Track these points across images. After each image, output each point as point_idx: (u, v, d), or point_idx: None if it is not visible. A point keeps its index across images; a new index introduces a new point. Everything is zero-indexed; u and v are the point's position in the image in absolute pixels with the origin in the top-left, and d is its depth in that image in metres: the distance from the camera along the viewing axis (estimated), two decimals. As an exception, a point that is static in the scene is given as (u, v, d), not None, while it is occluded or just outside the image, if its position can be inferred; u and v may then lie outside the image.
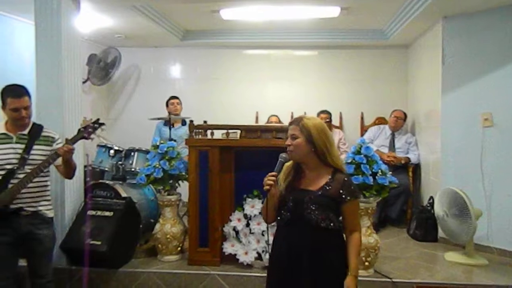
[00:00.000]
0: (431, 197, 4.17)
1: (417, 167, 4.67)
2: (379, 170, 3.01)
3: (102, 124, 2.74)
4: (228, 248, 3.23)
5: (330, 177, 1.86)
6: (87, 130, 2.67)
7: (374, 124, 5.23)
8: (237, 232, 3.24)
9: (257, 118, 5.44)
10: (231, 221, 3.25)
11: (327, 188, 1.84)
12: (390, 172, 3.13)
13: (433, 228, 3.97)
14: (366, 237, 3.02)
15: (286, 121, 5.10)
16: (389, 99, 5.28)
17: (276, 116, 5.21)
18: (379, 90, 5.39)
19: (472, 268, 3.30)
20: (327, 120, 4.86)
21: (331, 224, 1.84)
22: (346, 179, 1.88)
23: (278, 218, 1.93)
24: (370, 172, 2.99)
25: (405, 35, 4.74)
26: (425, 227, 4.01)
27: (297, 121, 1.90)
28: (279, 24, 4.84)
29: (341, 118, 5.45)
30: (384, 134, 4.80)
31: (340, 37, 5.15)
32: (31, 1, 3.19)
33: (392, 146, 4.69)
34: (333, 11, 4.25)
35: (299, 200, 1.86)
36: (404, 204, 4.48)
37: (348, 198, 1.84)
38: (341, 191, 1.83)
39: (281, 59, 5.57)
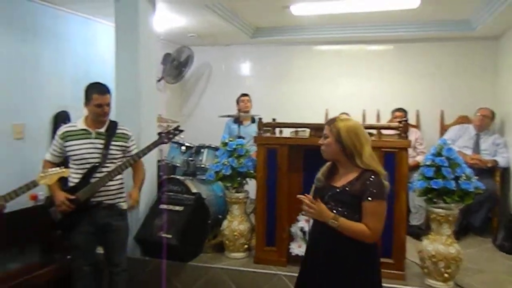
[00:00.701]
0: (524, 206, 3.74)
1: (505, 172, 4.21)
2: (463, 174, 2.75)
3: (181, 131, 2.89)
4: (295, 249, 3.16)
5: (357, 175, 1.85)
6: (167, 136, 2.80)
7: (456, 123, 4.81)
8: (304, 233, 3.15)
9: (326, 116, 5.28)
10: (298, 221, 3.18)
11: (349, 186, 1.85)
12: (476, 177, 2.84)
13: (525, 240, 3.55)
14: (446, 247, 2.78)
15: (357, 120, 4.89)
16: (474, 96, 4.83)
17: (347, 114, 4.98)
18: (462, 86, 4.96)
19: None
20: (405, 119, 4.55)
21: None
22: (372, 178, 1.82)
23: None
24: (453, 176, 2.73)
25: (495, 26, 4.29)
26: (515, 239, 3.60)
27: (330, 122, 1.97)
28: (352, 18, 4.64)
29: (418, 116, 5.10)
30: (467, 134, 4.39)
31: (419, 30, 4.80)
32: (112, 5, 3.37)
33: (476, 148, 4.27)
34: (413, 2, 3.96)
35: (322, 195, 1.88)
36: (489, 212, 4.06)
37: (369, 198, 1.79)
38: (363, 190, 1.80)
39: (354, 54, 5.35)
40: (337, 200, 1.86)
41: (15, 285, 2.88)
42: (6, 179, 2.84)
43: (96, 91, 2.65)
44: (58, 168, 2.45)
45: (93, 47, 4.24)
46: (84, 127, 2.72)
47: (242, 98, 4.87)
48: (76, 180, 2.68)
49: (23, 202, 3.23)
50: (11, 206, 2.92)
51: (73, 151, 2.68)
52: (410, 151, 4.46)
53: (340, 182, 1.90)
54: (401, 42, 5.14)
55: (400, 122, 3.05)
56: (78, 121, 2.77)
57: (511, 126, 4.26)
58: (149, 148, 2.76)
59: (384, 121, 4.90)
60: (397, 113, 4.61)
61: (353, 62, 5.33)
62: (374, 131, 3.29)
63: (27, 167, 3.25)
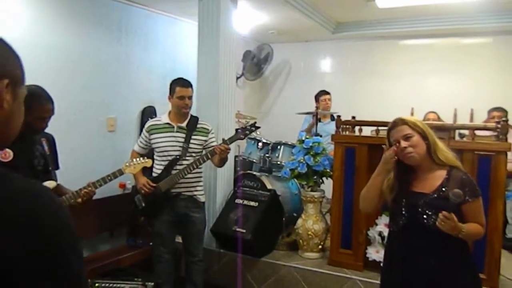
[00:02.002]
0: None
1: None
2: None
3: (258, 127, 2.89)
4: (373, 254, 3.00)
5: (446, 176, 1.66)
6: (244, 132, 2.84)
7: None
8: (383, 238, 2.97)
9: (412, 115, 4.94)
10: (377, 225, 3.01)
11: (444, 189, 1.64)
12: None
13: None
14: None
15: (447, 119, 4.52)
16: None
17: (435, 113, 4.64)
18: None
19: None
20: (504, 119, 4.08)
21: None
22: (465, 177, 1.66)
23: (392, 223, 1.82)
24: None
25: None
26: None
27: (401, 122, 1.76)
28: (443, 9, 4.28)
29: (520, 116, 4.54)
30: None
31: (524, 20, 4.27)
32: (196, 4, 3.49)
33: None
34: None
35: (413, 204, 1.68)
36: None
37: (471, 199, 1.62)
38: (462, 190, 1.62)
39: (445, 48, 4.94)
40: (435, 206, 1.65)
41: (104, 265, 3.15)
42: (100, 167, 3.09)
43: (179, 84, 2.79)
44: (142, 159, 2.61)
45: (179, 46, 4.45)
46: (168, 121, 2.86)
47: (324, 96, 4.74)
48: (159, 171, 2.83)
49: (113, 189, 3.51)
50: (103, 193, 3.20)
51: (157, 143, 2.84)
52: (510, 155, 4.00)
53: (428, 186, 1.70)
54: (501, 34, 4.62)
55: (498, 122, 2.73)
56: (163, 116, 2.92)
57: None
58: (226, 142, 2.81)
59: (479, 122, 4.45)
60: (495, 113, 4.15)
61: (444, 56, 4.92)
62: (466, 132, 3.01)
63: (117, 157, 3.52)
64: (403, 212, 1.73)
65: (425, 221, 1.67)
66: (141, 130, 3.36)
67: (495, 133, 2.72)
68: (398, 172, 1.76)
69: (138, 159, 2.62)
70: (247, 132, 2.88)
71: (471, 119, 4.68)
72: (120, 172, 2.49)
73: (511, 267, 2.73)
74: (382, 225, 2.98)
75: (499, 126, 2.67)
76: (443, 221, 1.59)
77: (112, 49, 3.69)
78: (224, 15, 3.41)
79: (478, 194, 1.68)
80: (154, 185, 2.75)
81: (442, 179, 1.69)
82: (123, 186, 3.65)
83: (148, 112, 3.99)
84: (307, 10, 4.31)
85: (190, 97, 2.81)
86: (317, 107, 4.41)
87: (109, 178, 2.42)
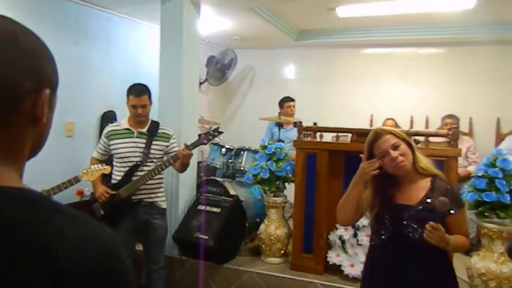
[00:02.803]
0: None
1: None
2: (520, 188, 2.52)
3: (221, 132, 2.88)
4: (333, 257, 3.06)
5: (430, 186, 1.62)
6: (206, 137, 2.81)
7: (514, 132, 4.48)
8: (343, 242, 3.04)
9: (371, 121, 5.12)
10: (337, 229, 3.07)
11: (428, 200, 1.60)
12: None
13: None
14: (499, 265, 2.56)
15: (404, 126, 4.70)
16: (536, 103, 4.47)
17: (393, 119, 4.81)
18: (522, 92, 4.61)
19: None
20: (455, 126, 4.29)
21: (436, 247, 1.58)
22: (449, 187, 1.63)
23: (374, 237, 1.73)
24: (507, 189, 2.52)
25: (561, 27, 3.95)
26: None
27: (384, 132, 1.68)
28: (402, 20, 4.46)
29: (471, 124, 4.80)
30: (527, 145, 4.06)
31: (475, 32, 4.52)
32: (158, 8, 3.44)
33: (537, 159, 3.94)
34: (468, 2, 3.73)
35: (397, 218, 1.62)
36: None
37: (455, 211, 1.59)
38: (448, 202, 1.57)
39: (403, 57, 5.15)
40: (420, 219, 1.57)
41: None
42: (56, 174, 2.97)
43: (132, 93, 2.72)
44: (100, 165, 2.54)
45: (141, 49, 4.38)
46: (127, 126, 2.80)
47: (289, 103, 4.78)
48: (119, 178, 2.76)
49: (70, 197, 3.39)
50: (59, 200, 3.07)
51: (117, 149, 2.77)
52: (461, 160, 4.21)
53: (412, 198, 1.62)
54: (454, 45, 4.87)
55: (450, 129, 2.87)
56: (123, 121, 2.86)
57: None
58: (189, 147, 2.78)
59: (433, 128, 4.66)
60: (448, 120, 4.36)
61: (402, 65, 5.12)
62: (421, 138, 3.13)
63: (75, 163, 3.39)
64: (387, 226, 1.65)
65: (411, 234, 1.60)
66: (101, 135, 3.27)
67: (447, 140, 2.85)
68: (380, 186, 1.68)
69: (95, 166, 2.56)
70: (210, 137, 2.87)
71: (427, 126, 4.89)
72: (77, 180, 2.41)
73: (462, 267, 2.85)
74: (342, 229, 3.04)
75: (450, 133, 2.81)
76: (430, 232, 1.51)
77: (70, 52, 3.57)
78: (187, 20, 3.39)
79: (463, 204, 1.67)
80: (113, 193, 2.68)
81: (426, 190, 1.63)
82: (80, 193, 3.53)
83: (108, 117, 3.89)
84: (270, 17, 4.37)
85: (143, 106, 2.72)
86: (280, 113, 4.45)
87: (64, 185, 2.33)
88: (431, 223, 1.52)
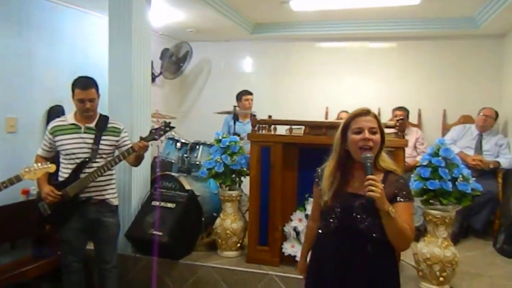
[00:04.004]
0: (525, 208, 3.64)
1: (508, 173, 4.10)
2: (460, 175, 2.66)
3: (172, 127, 2.81)
4: (288, 248, 3.10)
5: (382, 179, 1.63)
6: (158, 132, 2.74)
7: (459, 123, 4.72)
8: (297, 233, 3.09)
9: (326, 114, 5.21)
10: (292, 220, 3.11)
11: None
12: (474, 178, 2.75)
13: (526, 244, 3.46)
14: (442, 250, 2.70)
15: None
16: (478, 95, 4.73)
17: (347, 112, 4.92)
18: (465, 85, 4.86)
19: None
20: (402, 117, 4.47)
21: (385, 236, 1.60)
22: (401, 180, 1.66)
23: (323, 225, 1.72)
24: (450, 177, 2.65)
25: (499, 23, 4.18)
26: (516, 242, 3.51)
27: (371, 114, 1.68)
28: (353, 14, 4.56)
29: (420, 115, 5.00)
30: (469, 135, 4.29)
31: (421, 27, 4.71)
32: (107, -3, 3.32)
33: (478, 148, 4.17)
34: (414, -2, 3.88)
35: (347, 206, 1.63)
36: (491, 214, 3.96)
37: (402, 200, 1.61)
38: (395, 192, 1.61)
39: (356, 51, 5.26)
40: (368, 209, 1.58)
41: (5, 280, 2.87)
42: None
43: (78, 86, 2.61)
44: (44, 163, 2.42)
45: (90, 41, 4.20)
46: (74, 121, 2.68)
47: (247, 96, 4.77)
48: (66, 175, 2.65)
49: (15, 197, 3.21)
50: (2, 200, 2.91)
51: (63, 146, 2.65)
52: (410, 151, 4.40)
53: (363, 188, 1.58)
54: (404, 40, 5.05)
55: (398, 120, 2.97)
56: (68, 116, 2.74)
57: (515, 127, 4.17)
58: (145, 139, 2.70)
59: (385, 120, 4.81)
60: (398, 112, 4.53)
61: (355, 59, 5.24)
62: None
63: (18, 161, 3.21)
64: (337, 214, 1.66)
65: (359, 224, 1.62)
66: (46, 132, 3.12)
67: (395, 131, 2.95)
68: (342, 164, 1.69)
69: (39, 164, 2.44)
70: (162, 132, 2.80)
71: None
72: (18, 178, 2.29)
73: (410, 252, 2.97)
74: (296, 221, 3.09)
75: (397, 124, 2.91)
76: (371, 185, 1.51)
77: (10, 43, 3.36)
78: (136, 11, 3.28)
79: (411, 199, 1.66)
80: (59, 193, 2.57)
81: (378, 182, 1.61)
82: (26, 192, 3.35)
83: (55, 112, 3.70)
84: (224, 9, 4.32)
85: (91, 100, 2.62)
86: (235, 107, 4.44)
87: (4, 185, 2.21)
88: (369, 176, 1.54)
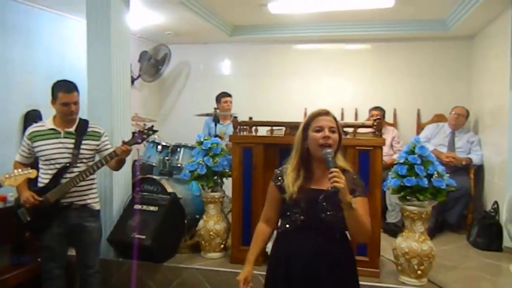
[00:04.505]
0: (496, 202, 3.80)
1: (479, 169, 4.28)
2: (435, 172, 2.77)
3: (155, 131, 2.81)
4: (271, 247, 3.14)
5: None
6: (141, 136, 2.73)
7: (432, 121, 4.89)
8: (280, 232, 3.13)
9: (305, 114, 5.27)
10: (274, 220, 3.16)
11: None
12: (448, 174, 2.87)
13: (497, 236, 3.61)
14: (420, 244, 2.80)
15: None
16: (450, 95, 4.91)
17: (326, 112, 5.02)
18: (438, 85, 5.04)
19: (542, 283, 2.96)
20: (379, 117, 4.59)
21: (346, 229, 1.71)
22: (355, 176, 1.76)
23: (287, 221, 1.76)
24: (425, 174, 2.75)
25: (469, 25, 4.36)
26: (488, 235, 3.66)
27: (330, 114, 1.77)
28: (329, 17, 4.66)
29: (395, 115, 5.15)
30: (443, 133, 4.45)
31: (395, 29, 4.86)
32: (84, 1, 3.28)
33: (451, 146, 4.34)
34: (388, 1, 4.00)
35: (312, 200, 1.70)
36: (465, 209, 4.12)
37: (359, 195, 1.70)
38: (353, 187, 1.69)
39: (332, 53, 5.38)
40: (332, 201, 1.66)
41: (-17, 289, 2.81)
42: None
43: (62, 89, 2.58)
44: (24, 169, 2.38)
45: (67, 44, 4.15)
46: (53, 126, 2.65)
47: (226, 98, 4.81)
48: (46, 181, 2.62)
49: (-9, 204, 3.14)
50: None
51: (42, 151, 2.62)
52: (387, 149, 4.53)
53: (324, 184, 1.67)
54: (378, 41, 5.19)
55: (375, 120, 3.07)
56: (47, 121, 2.70)
57: (485, 125, 4.35)
58: (128, 143, 2.69)
59: (363, 120, 4.94)
60: (374, 112, 4.65)
61: (332, 61, 5.36)
62: (350, 130, 3.30)
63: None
64: (303, 209, 1.71)
65: (325, 216, 1.68)
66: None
67: (373, 130, 3.05)
68: (304, 162, 1.76)
69: (19, 170, 2.39)
70: (145, 136, 2.79)
71: (356, 118, 5.17)
72: (-2, 185, 2.25)
73: (390, 248, 3.07)
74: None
75: (375, 124, 3.00)
76: (335, 177, 1.58)
77: (-16, 46, 3.30)
78: (115, 14, 3.26)
79: (366, 193, 1.76)
80: (40, 199, 2.54)
81: None
82: (3, 199, 3.28)
83: (32, 116, 3.64)
84: (203, 12, 4.34)
85: (75, 103, 2.61)
86: (216, 109, 4.46)
87: (-17, 191, 2.16)
88: (332, 169, 1.61)
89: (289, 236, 1.78)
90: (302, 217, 1.72)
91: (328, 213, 1.68)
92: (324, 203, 1.69)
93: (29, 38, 3.72)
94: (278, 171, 1.87)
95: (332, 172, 1.60)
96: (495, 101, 4.06)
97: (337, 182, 1.58)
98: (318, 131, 1.73)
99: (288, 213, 1.76)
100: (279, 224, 1.85)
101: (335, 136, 1.73)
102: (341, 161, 1.78)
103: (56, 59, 4.01)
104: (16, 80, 3.59)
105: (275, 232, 1.91)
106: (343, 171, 1.71)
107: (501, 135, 3.79)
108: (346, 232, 1.75)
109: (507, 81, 3.62)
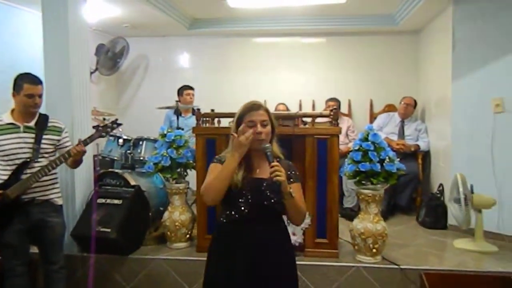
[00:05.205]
0: (441, 184, 4.13)
1: (426, 155, 4.62)
2: (387, 157, 2.99)
3: (120, 124, 2.82)
4: (236, 235, 3.24)
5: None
6: (105, 129, 2.73)
7: (384, 111, 5.18)
8: (244, 220, 3.24)
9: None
10: (238, 208, 3.26)
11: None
12: (398, 159, 3.10)
13: (443, 216, 3.94)
14: (374, 224, 3.02)
15: (294, 109, 5.10)
16: (399, 86, 5.22)
17: (284, 104, 5.19)
18: (388, 77, 5.34)
19: (481, 255, 3.27)
20: (335, 108, 4.81)
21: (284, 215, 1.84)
22: (290, 163, 1.89)
23: (234, 211, 1.79)
24: (378, 159, 2.97)
25: (415, 21, 4.66)
26: (434, 215, 3.98)
27: (262, 107, 1.82)
28: (286, 11, 4.80)
29: (350, 105, 5.40)
30: (393, 122, 4.75)
31: (348, 24, 5.09)
32: (37, -8, 3.21)
33: (401, 134, 4.65)
34: (341, -3, 4.19)
35: (256, 188, 1.78)
36: (414, 192, 4.45)
37: (294, 180, 1.83)
38: (288, 173, 1.80)
39: (289, 46, 5.53)
40: (273, 189, 1.74)
41: None
42: None
43: (27, 81, 2.55)
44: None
45: (20, 37, 4.01)
46: (11, 121, 2.60)
47: (188, 91, 4.84)
48: (5, 177, 2.56)
49: None
50: None
51: (1, 146, 2.55)
52: (343, 138, 4.76)
53: (264, 173, 1.78)
54: (332, 35, 5.40)
55: (331, 110, 3.24)
56: (4, 115, 2.64)
57: (431, 113, 4.68)
58: (85, 142, 2.67)
59: (319, 110, 5.13)
60: (330, 103, 4.86)
61: (289, 54, 5.51)
62: (308, 119, 3.47)
63: None
64: (248, 198, 1.77)
65: (269, 203, 1.77)
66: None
67: (329, 120, 3.22)
68: (243, 164, 1.80)
69: None
70: (109, 129, 2.79)
71: (313, 108, 5.37)
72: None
73: (347, 231, 3.28)
74: (243, 208, 3.25)
75: (331, 113, 3.18)
76: (277, 170, 1.67)
77: None
78: (72, 6, 3.20)
79: (300, 180, 1.87)
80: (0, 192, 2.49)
81: None
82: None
83: (-15, 112, 3.50)
84: (161, 4, 4.33)
85: (40, 96, 2.59)
86: (177, 101, 4.48)
87: None
88: (272, 163, 1.69)
89: (233, 228, 1.81)
90: (247, 205, 1.77)
91: (272, 200, 1.77)
92: (267, 192, 1.77)
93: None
94: (220, 157, 1.89)
95: (273, 167, 1.69)
96: (439, 91, 4.38)
97: (278, 175, 1.67)
98: (251, 126, 1.79)
99: (231, 204, 1.80)
100: (222, 213, 1.87)
101: (268, 128, 1.80)
102: (275, 148, 1.87)
103: (9, 52, 3.87)
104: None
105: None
106: (279, 159, 1.83)
107: (445, 122, 4.11)
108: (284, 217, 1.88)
109: (448, 72, 3.93)
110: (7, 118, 2.60)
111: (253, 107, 1.83)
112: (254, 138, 1.77)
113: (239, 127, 1.82)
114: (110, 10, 4.35)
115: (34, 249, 2.80)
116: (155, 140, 3.83)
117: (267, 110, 1.85)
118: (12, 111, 2.62)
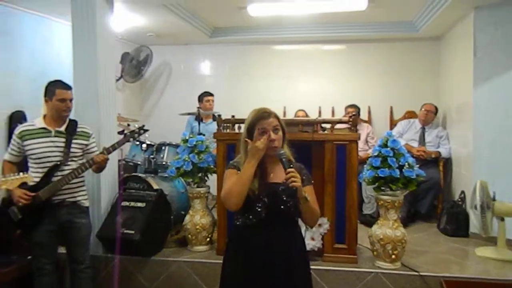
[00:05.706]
0: (462, 192, 4.08)
1: (448, 161, 4.57)
2: (406, 163, 2.99)
3: (146, 130, 2.96)
4: (255, 239, 3.29)
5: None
6: (132, 135, 2.86)
7: (404, 118, 5.16)
8: (264, 224, 3.29)
9: (284, 113, 5.48)
10: (258, 213, 3.31)
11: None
12: (418, 165, 3.10)
13: (464, 223, 3.89)
14: (393, 230, 3.01)
15: (313, 115, 5.13)
16: (420, 92, 5.19)
17: (303, 110, 5.23)
18: (409, 83, 5.32)
19: (504, 263, 3.22)
20: (354, 114, 4.83)
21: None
22: (301, 166, 1.92)
23: (252, 215, 1.82)
24: (397, 165, 2.97)
25: (435, 27, 4.65)
26: (456, 222, 3.93)
27: (272, 114, 1.85)
28: (305, 19, 4.85)
29: (369, 112, 5.40)
30: (414, 128, 4.73)
31: (368, 31, 5.11)
32: (68, 3, 3.35)
33: (422, 140, 4.62)
34: (360, 4, 4.22)
35: (273, 192, 1.81)
36: (435, 199, 4.41)
37: (307, 183, 1.87)
38: (302, 178, 1.82)
39: (309, 54, 5.58)
40: (289, 193, 1.78)
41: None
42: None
43: (59, 87, 2.71)
44: (20, 173, 2.47)
45: (50, 46, 4.19)
46: (43, 125, 2.73)
47: (208, 98, 4.96)
48: (37, 179, 2.68)
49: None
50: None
51: (32, 150, 2.68)
52: (362, 145, 4.76)
53: (278, 177, 1.82)
54: (352, 42, 5.42)
55: (350, 116, 3.26)
56: (36, 120, 2.77)
57: (452, 120, 4.64)
58: (113, 147, 2.81)
59: (338, 117, 5.14)
60: (350, 109, 4.86)
61: (309, 61, 5.56)
62: (328, 126, 3.49)
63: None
64: (265, 202, 1.80)
65: (285, 208, 1.81)
66: (9, 137, 3.11)
67: (348, 126, 3.25)
68: (257, 169, 1.82)
69: (15, 174, 2.48)
70: (136, 135, 2.93)
71: (333, 115, 5.39)
72: (-4, 189, 2.32)
73: (367, 238, 3.28)
74: (262, 213, 3.30)
75: (350, 120, 3.21)
76: (293, 177, 1.70)
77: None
78: (100, 16, 3.35)
79: (311, 182, 1.90)
80: (32, 194, 2.61)
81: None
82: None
83: (17, 117, 3.69)
84: (184, 14, 4.46)
85: (71, 100, 2.75)
86: (199, 108, 4.59)
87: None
88: (288, 169, 1.72)
89: (251, 231, 1.84)
90: (264, 209, 1.81)
91: (288, 204, 1.81)
92: (284, 196, 1.81)
93: (11, 41, 3.76)
94: (235, 163, 1.91)
95: (289, 173, 1.72)
96: (461, 98, 4.35)
97: (294, 181, 1.71)
98: (263, 133, 1.83)
99: (249, 208, 1.82)
100: (238, 216, 1.89)
101: (279, 134, 1.84)
102: (287, 151, 1.90)
103: (39, 61, 4.05)
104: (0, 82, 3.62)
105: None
106: (290, 162, 1.84)
107: (467, 129, 4.07)
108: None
109: (470, 78, 3.90)
110: (40, 123, 2.74)
111: (264, 115, 1.86)
112: (268, 145, 1.81)
113: (250, 137, 1.85)
114: (135, 20, 4.51)
115: (62, 250, 2.92)
116: (177, 146, 3.92)
117: (276, 116, 1.88)
118: (44, 116, 2.76)
